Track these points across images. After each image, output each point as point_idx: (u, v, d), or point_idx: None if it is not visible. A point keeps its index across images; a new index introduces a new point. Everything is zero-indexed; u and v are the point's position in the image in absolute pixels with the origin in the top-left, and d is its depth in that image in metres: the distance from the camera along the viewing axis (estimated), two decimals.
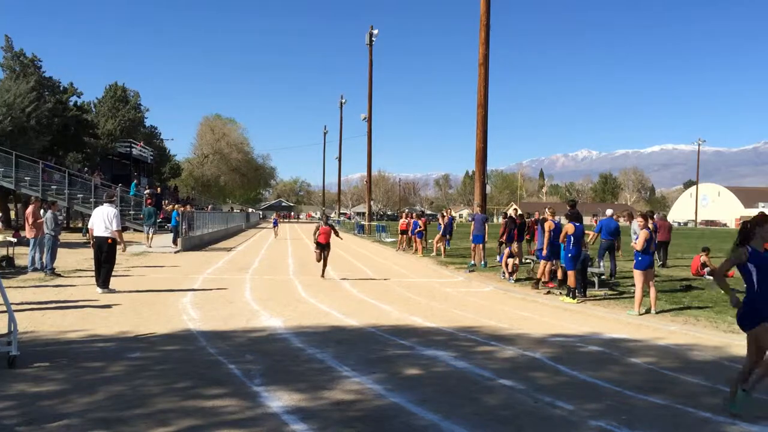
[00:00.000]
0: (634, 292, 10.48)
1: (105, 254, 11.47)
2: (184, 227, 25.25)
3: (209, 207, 47.23)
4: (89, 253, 14.84)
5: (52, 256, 13.93)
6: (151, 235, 23.85)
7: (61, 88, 41.52)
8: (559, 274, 12.75)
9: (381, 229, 39.05)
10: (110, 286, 11.52)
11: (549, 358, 7.00)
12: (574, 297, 11.38)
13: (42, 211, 15.25)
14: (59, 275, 13.72)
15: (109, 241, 11.50)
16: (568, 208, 12.17)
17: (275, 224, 38.96)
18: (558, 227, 12.59)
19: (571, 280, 11.44)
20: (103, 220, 11.53)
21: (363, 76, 45.01)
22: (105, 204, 11.91)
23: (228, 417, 4.79)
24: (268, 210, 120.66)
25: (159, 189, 38.92)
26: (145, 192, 33.76)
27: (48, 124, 35.91)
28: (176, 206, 25.99)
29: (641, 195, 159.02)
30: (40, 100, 35.59)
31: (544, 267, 12.96)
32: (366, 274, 16.65)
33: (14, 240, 15.90)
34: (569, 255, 11.42)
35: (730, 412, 5.09)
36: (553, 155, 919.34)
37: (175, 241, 24.08)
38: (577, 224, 11.45)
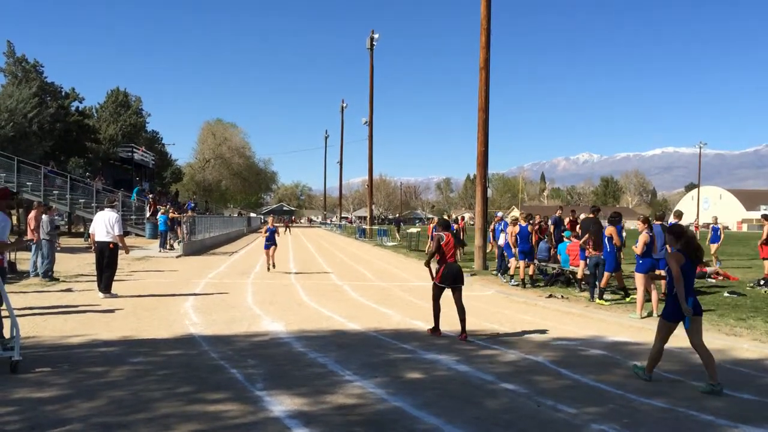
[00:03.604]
0: (636, 295, 10.47)
1: (106, 259, 11.48)
2: (185, 231, 25.28)
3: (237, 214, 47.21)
4: (91, 257, 14.86)
5: (51, 261, 13.92)
6: (170, 242, 24.69)
7: (63, 94, 41.67)
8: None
9: (382, 233, 39.09)
10: (112, 291, 11.53)
11: (551, 362, 7.00)
12: (601, 297, 11.64)
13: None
14: (57, 280, 13.72)
15: (111, 246, 11.51)
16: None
17: (269, 239, 17.55)
18: (524, 230, 14.29)
19: (603, 281, 11.75)
20: (104, 224, 11.55)
21: (364, 80, 45.02)
22: (106, 209, 11.93)
23: (230, 421, 4.80)
24: (269, 214, 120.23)
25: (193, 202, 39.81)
26: (149, 197, 33.80)
27: (50, 129, 36.03)
28: (164, 209, 25.74)
29: (643, 198, 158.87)
30: (41, 105, 35.73)
31: (523, 267, 14.15)
32: (367, 278, 16.66)
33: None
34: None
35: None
36: (554, 158, 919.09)
37: (162, 246, 23.98)
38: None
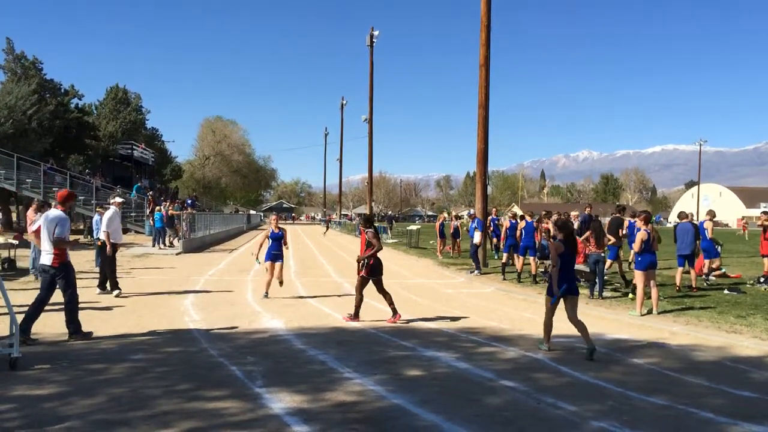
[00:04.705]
0: (635, 293, 10.46)
1: (99, 257, 11.60)
2: (184, 229, 25.25)
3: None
4: (90, 255, 14.89)
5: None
6: (170, 239, 24.58)
7: (62, 91, 41.60)
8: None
9: (382, 231, 39.11)
10: (108, 288, 11.50)
11: (551, 359, 7.00)
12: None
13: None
14: None
15: (99, 243, 11.61)
16: (618, 213, 13.85)
17: (275, 249, 11.71)
18: (513, 226, 15.06)
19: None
20: (101, 223, 11.68)
21: (364, 77, 44.91)
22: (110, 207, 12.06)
23: (229, 419, 4.79)
24: (269, 211, 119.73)
25: (195, 196, 39.82)
26: (148, 194, 33.76)
27: (49, 126, 35.97)
28: (160, 207, 25.64)
29: (642, 195, 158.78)
30: (41, 102, 35.67)
31: (524, 263, 14.57)
32: None
33: (16, 242, 15.90)
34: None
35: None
36: (554, 156, 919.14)
37: (161, 244, 23.96)
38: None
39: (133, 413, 4.84)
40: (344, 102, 62.54)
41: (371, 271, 9.24)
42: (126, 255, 20.20)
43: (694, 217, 16.34)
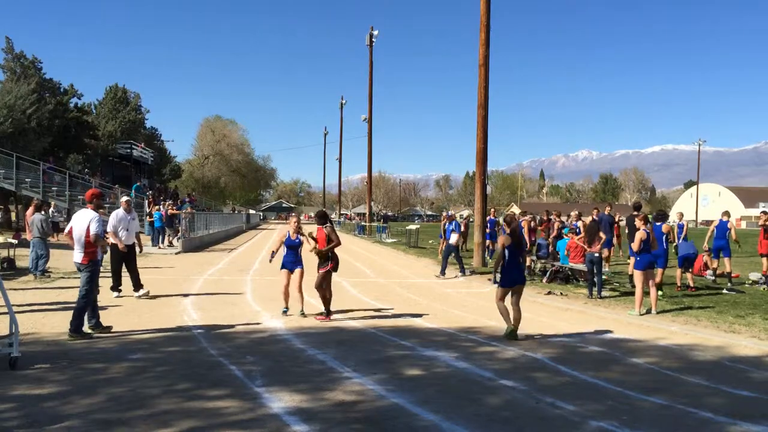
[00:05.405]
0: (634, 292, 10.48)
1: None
2: (183, 228, 25.24)
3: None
4: None
5: (46, 258, 13.85)
6: (170, 239, 24.58)
7: (62, 90, 41.56)
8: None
9: (381, 230, 39.11)
10: (111, 289, 11.48)
11: (550, 359, 7.00)
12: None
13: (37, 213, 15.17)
14: (50, 276, 13.66)
15: (109, 243, 11.56)
16: (635, 211, 13.52)
17: (291, 257, 9.53)
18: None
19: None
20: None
21: (363, 77, 44.91)
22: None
23: (229, 418, 4.79)
24: (269, 211, 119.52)
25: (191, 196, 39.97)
26: (147, 193, 33.76)
27: (48, 125, 35.91)
28: (158, 207, 25.58)
29: (642, 195, 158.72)
30: (40, 101, 35.60)
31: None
32: (366, 275, 16.65)
33: (15, 241, 15.88)
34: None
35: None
36: (553, 156, 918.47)
37: (157, 243, 23.92)
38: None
39: (133, 413, 4.84)
40: (344, 101, 62.50)
41: (336, 265, 9.50)
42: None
43: (683, 217, 16.39)
